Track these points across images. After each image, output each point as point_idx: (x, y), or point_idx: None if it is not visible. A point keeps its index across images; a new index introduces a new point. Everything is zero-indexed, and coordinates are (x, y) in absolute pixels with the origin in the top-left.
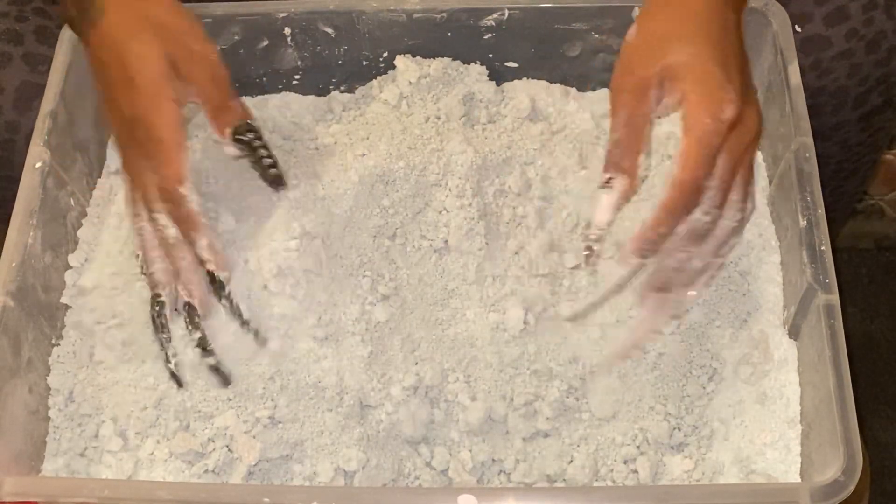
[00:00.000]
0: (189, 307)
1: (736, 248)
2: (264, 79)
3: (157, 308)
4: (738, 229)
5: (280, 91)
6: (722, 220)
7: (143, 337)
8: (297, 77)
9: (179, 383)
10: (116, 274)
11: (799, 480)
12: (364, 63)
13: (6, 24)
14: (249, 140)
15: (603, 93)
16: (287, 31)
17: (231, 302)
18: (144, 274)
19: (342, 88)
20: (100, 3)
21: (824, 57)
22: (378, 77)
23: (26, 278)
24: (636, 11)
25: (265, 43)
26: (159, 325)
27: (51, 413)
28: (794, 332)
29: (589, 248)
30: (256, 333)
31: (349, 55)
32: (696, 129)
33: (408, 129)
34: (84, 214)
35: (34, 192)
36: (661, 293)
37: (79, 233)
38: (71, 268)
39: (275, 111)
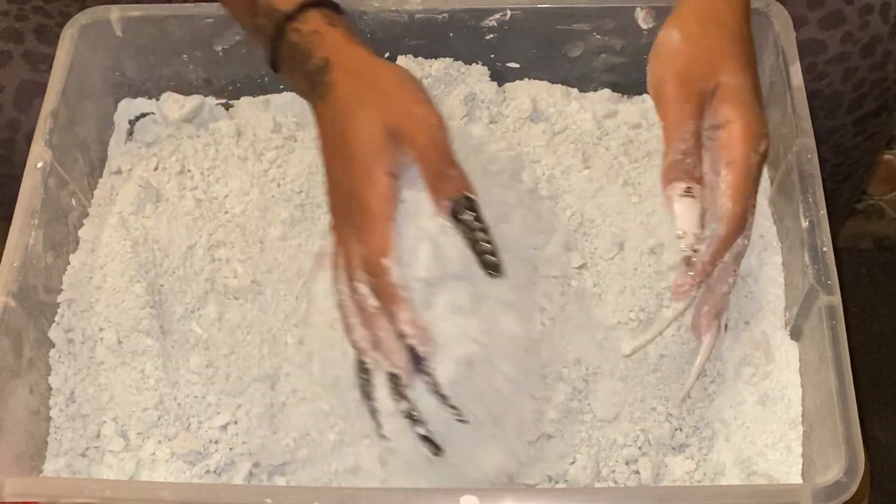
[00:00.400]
0: (393, 376)
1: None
2: (265, 79)
3: (364, 376)
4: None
5: (281, 91)
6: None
7: (144, 337)
8: None
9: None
10: (118, 273)
11: (800, 481)
12: None
13: (6, 23)
14: (465, 220)
15: (605, 93)
16: None
17: (431, 376)
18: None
19: None
20: (329, 77)
21: (819, 60)
22: None
23: (27, 278)
24: (638, 13)
25: None
26: (366, 392)
27: (52, 413)
28: (795, 334)
29: (693, 252)
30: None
31: None
32: (744, 163)
33: None
34: (85, 214)
35: (35, 191)
36: (718, 318)
37: (80, 232)
38: (72, 267)
39: (276, 111)
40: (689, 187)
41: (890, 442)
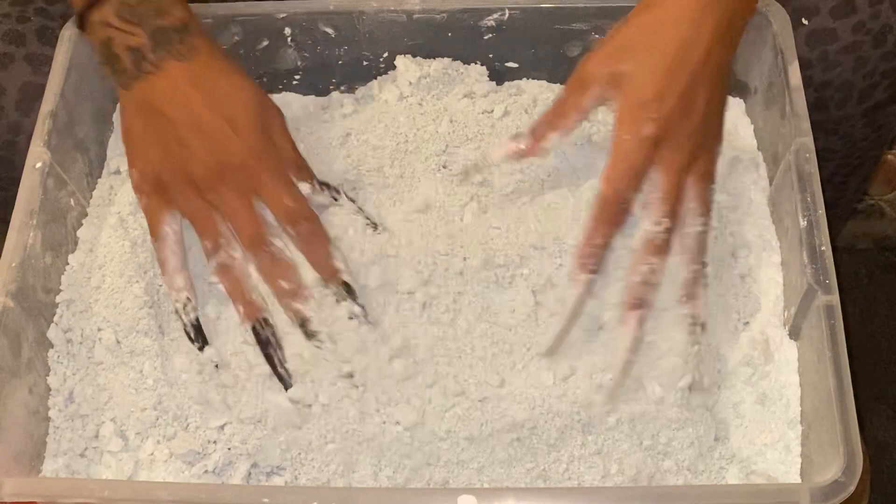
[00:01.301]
0: (302, 324)
1: (736, 248)
2: (264, 79)
3: (264, 344)
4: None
5: (280, 91)
6: (685, 229)
7: (143, 338)
8: (297, 77)
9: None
10: (116, 274)
11: (799, 481)
12: (364, 63)
13: (8, 25)
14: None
15: None
16: (287, 31)
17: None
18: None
19: (342, 88)
20: (191, 41)
21: (830, 50)
22: (378, 77)
23: (26, 278)
24: None
25: (265, 43)
26: (273, 357)
27: (51, 413)
28: (794, 333)
29: (469, 171)
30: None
31: (349, 55)
32: (617, 145)
33: None
34: (84, 214)
35: (34, 192)
36: (636, 310)
37: (79, 233)
38: (71, 267)
39: None
40: (518, 135)
41: (890, 442)
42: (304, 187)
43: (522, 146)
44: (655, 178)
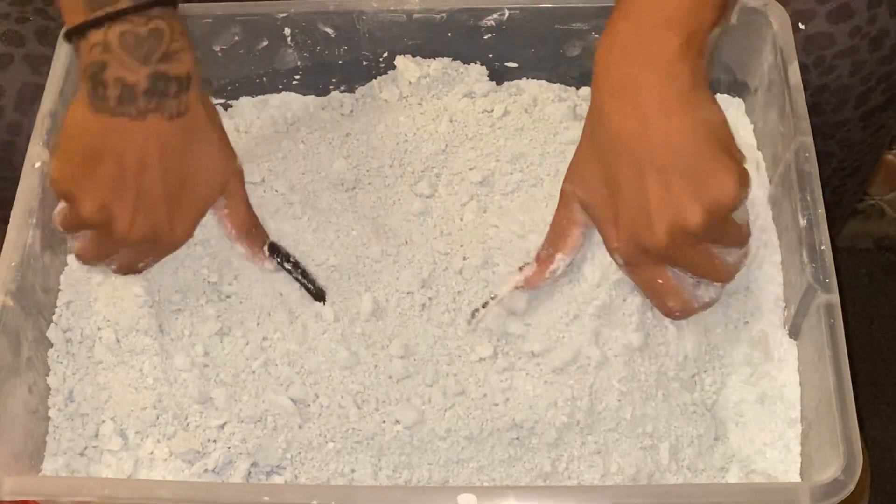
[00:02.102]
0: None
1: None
2: (264, 79)
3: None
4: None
5: (280, 91)
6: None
7: (143, 336)
8: (297, 77)
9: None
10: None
11: (799, 480)
12: (364, 63)
13: (7, 26)
14: (287, 259)
15: None
16: (287, 31)
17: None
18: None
19: (342, 88)
20: (187, 97)
21: (827, 54)
22: (378, 77)
23: (26, 278)
24: None
25: (265, 43)
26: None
27: (51, 413)
28: (794, 332)
29: (478, 310)
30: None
31: (349, 55)
32: (635, 279)
33: None
34: None
35: (33, 191)
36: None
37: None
38: (70, 267)
39: (274, 111)
40: (527, 264)
41: (890, 442)
42: (242, 250)
43: (524, 275)
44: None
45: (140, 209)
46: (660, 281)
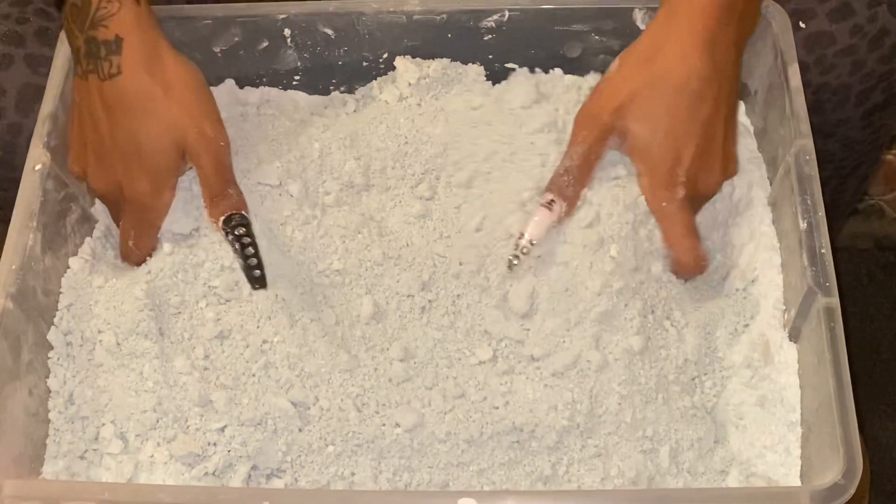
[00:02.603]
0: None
1: (737, 249)
2: (264, 80)
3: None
4: None
5: (282, 91)
6: None
7: (143, 340)
8: (297, 78)
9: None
10: (116, 276)
11: (799, 483)
12: (364, 64)
13: (7, 26)
14: (238, 235)
15: None
16: (287, 32)
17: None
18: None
19: (342, 89)
20: (118, 59)
21: (827, 53)
22: (378, 78)
23: (26, 281)
24: (636, 14)
25: (265, 44)
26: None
27: (51, 415)
28: (794, 335)
29: (516, 256)
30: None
31: (349, 56)
32: (662, 213)
33: None
34: (84, 216)
35: (34, 194)
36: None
37: (78, 235)
38: (71, 270)
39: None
40: (552, 200)
41: (890, 442)
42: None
43: (557, 214)
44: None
45: (99, 164)
46: (698, 222)
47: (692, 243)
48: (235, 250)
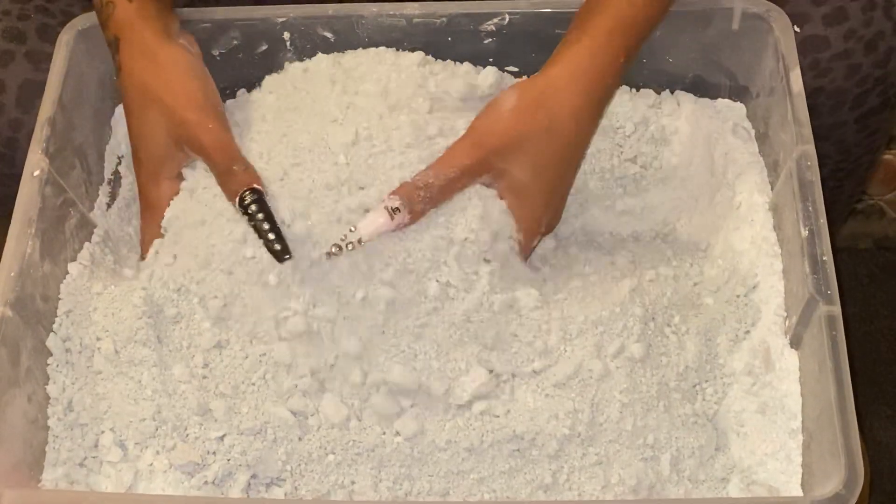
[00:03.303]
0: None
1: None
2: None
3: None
4: None
5: None
6: None
7: (141, 347)
8: None
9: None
10: (115, 282)
11: (800, 492)
12: None
13: (8, 23)
14: (252, 213)
15: None
16: (286, 35)
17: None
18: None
19: None
20: (119, 57)
21: (822, 57)
22: None
23: (25, 287)
24: None
25: (264, 47)
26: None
27: (50, 422)
28: (795, 342)
29: (339, 248)
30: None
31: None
32: (519, 248)
33: None
34: (82, 221)
35: (32, 200)
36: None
37: (77, 240)
38: (70, 276)
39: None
40: (397, 208)
41: (890, 442)
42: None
43: (396, 223)
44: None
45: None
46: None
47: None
48: (251, 226)
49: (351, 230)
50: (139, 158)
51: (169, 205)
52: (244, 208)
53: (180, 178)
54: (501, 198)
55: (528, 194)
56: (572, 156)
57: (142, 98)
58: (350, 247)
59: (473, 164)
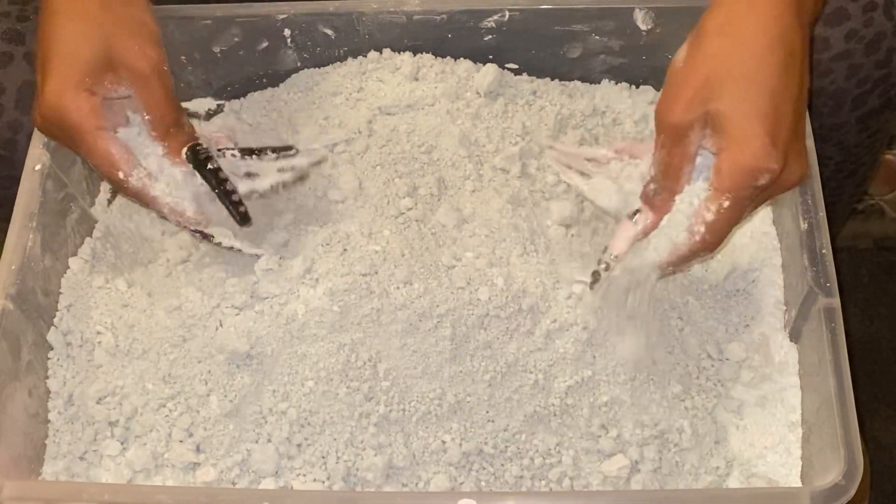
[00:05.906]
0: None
1: (738, 249)
2: (264, 80)
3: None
4: None
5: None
6: None
7: (142, 340)
8: None
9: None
10: (116, 276)
11: (800, 484)
12: None
13: (7, 24)
14: (213, 169)
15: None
16: (287, 32)
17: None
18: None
19: None
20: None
21: (823, 58)
22: None
23: (26, 281)
24: (637, 14)
25: (265, 44)
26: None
27: (50, 416)
28: (794, 336)
29: (597, 273)
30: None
31: (349, 56)
32: (729, 193)
33: None
34: (83, 216)
35: (33, 194)
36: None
37: (78, 235)
38: (71, 270)
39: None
40: (637, 211)
41: (890, 442)
42: (161, 151)
43: (641, 225)
44: None
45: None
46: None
47: (716, 243)
48: (211, 184)
49: (604, 252)
50: (53, 63)
51: (100, 121)
52: (202, 161)
53: (96, 97)
54: (714, 144)
55: (736, 116)
56: (785, 58)
57: (77, 16)
58: (605, 267)
59: (673, 134)
